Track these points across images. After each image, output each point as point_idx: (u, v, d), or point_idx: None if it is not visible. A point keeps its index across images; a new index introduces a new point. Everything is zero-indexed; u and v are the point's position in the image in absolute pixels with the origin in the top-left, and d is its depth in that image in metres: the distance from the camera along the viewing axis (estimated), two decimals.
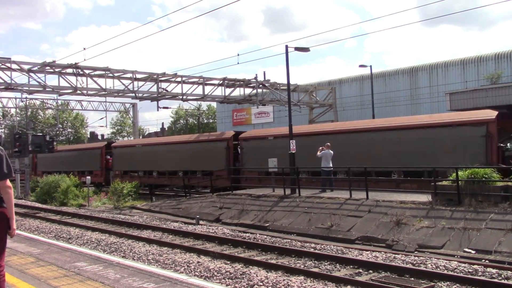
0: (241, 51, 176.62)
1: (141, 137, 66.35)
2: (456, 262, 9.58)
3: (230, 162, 25.51)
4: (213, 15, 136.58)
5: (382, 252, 10.83)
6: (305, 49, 20.52)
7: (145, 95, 26.79)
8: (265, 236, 13.66)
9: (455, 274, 8.72)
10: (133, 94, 26.07)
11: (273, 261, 10.42)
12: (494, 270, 8.85)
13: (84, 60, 41.60)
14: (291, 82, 22.14)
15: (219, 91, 28.90)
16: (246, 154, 25.07)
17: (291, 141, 18.95)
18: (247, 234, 14.11)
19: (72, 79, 23.69)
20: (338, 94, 36.60)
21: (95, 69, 24.27)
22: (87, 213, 21.21)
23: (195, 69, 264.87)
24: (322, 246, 11.85)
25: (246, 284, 8.30)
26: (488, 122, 16.70)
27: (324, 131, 22.34)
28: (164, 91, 26.60)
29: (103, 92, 25.23)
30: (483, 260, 9.70)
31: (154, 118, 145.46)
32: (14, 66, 22.23)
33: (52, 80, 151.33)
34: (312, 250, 11.38)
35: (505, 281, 8.25)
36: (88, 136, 78.85)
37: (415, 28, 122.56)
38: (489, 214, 11.42)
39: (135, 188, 25.51)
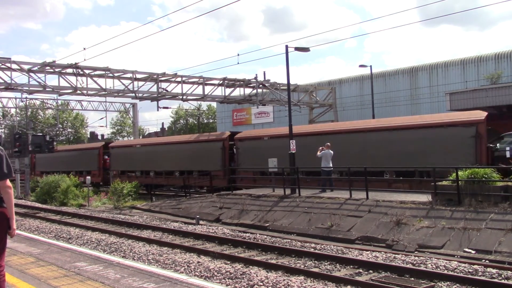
0: (241, 51, 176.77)
1: (141, 137, 66.36)
2: (456, 262, 9.58)
3: (226, 162, 25.78)
4: (213, 15, 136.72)
5: (382, 252, 10.83)
6: (305, 49, 20.53)
7: (145, 95, 26.80)
8: (265, 236, 13.66)
9: (455, 274, 8.72)
10: (133, 94, 26.07)
11: (273, 261, 10.42)
12: (494, 270, 8.85)
13: (84, 60, 41.62)
14: (291, 82, 22.16)
15: (219, 91, 28.96)
16: (242, 154, 25.33)
17: (291, 141, 18.96)
18: (247, 234, 14.11)
19: (72, 79, 23.71)
20: (338, 94, 36.61)
21: (95, 69, 24.27)
22: (87, 213, 21.21)
23: (195, 69, 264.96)
24: (322, 246, 11.85)
25: (246, 284, 8.30)
26: (478, 123, 17.01)
27: (317, 132, 22.62)
28: (164, 91, 26.60)
29: (103, 92, 25.23)
30: (483, 260, 9.70)
31: (154, 118, 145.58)
32: (14, 66, 22.23)
33: (52, 80, 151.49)
34: (312, 250, 11.38)
35: (505, 281, 8.25)
36: (88, 136, 78.83)
37: (415, 28, 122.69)
38: (489, 214, 11.42)
39: (135, 188, 25.54)
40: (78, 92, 24.12)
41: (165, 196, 29.21)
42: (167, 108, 43.02)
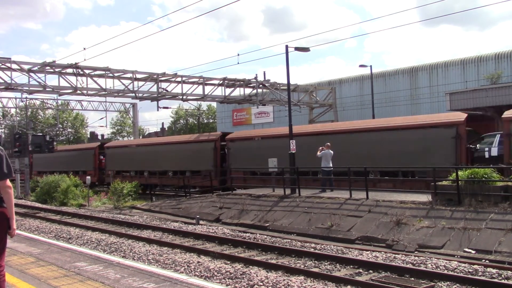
0: (241, 51, 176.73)
1: (141, 137, 66.38)
2: (456, 262, 9.58)
3: (217, 162, 26.18)
4: (213, 15, 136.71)
5: (382, 252, 10.83)
6: (305, 49, 20.53)
7: (145, 95, 26.80)
8: (265, 236, 13.66)
9: (455, 274, 8.72)
10: (133, 94, 26.08)
11: (273, 261, 10.42)
12: (494, 270, 8.85)
13: (84, 60, 41.61)
14: (291, 82, 22.16)
15: (219, 91, 28.97)
16: (233, 155, 25.71)
17: (291, 141, 18.98)
18: (247, 234, 14.11)
19: (72, 79, 23.71)
20: (338, 94, 36.60)
21: (95, 69, 24.27)
22: (87, 213, 21.21)
23: (195, 69, 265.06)
24: (322, 246, 11.85)
25: (246, 284, 8.30)
26: (458, 124, 17.55)
27: (308, 132, 22.92)
28: (164, 91, 26.61)
29: (103, 92, 25.24)
30: (483, 260, 9.70)
31: (154, 118, 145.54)
32: (14, 66, 22.24)
33: (52, 80, 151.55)
34: (312, 250, 11.38)
35: (505, 281, 8.25)
36: (88, 136, 78.81)
37: (415, 28, 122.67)
38: (489, 214, 11.42)
39: (135, 188, 25.58)
40: (78, 92, 24.13)
41: (165, 196, 29.23)
42: (167, 108, 43.08)
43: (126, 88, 25.43)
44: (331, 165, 17.95)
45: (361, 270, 9.41)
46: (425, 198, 13.77)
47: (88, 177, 28.15)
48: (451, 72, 34.78)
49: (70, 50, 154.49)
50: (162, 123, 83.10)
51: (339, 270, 9.55)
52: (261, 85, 29.27)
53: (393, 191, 16.75)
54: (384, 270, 9.25)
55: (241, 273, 8.95)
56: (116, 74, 25.19)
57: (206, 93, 27.76)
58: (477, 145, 17.56)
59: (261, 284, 8.19)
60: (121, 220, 18.08)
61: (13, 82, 22.45)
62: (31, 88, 23.74)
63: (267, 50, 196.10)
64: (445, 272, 8.90)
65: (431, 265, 9.42)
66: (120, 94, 25.92)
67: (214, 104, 58.28)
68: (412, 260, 9.91)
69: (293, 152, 18.82)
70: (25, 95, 32.44)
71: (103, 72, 24.54)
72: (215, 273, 9.12)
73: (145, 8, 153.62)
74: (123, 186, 24.26)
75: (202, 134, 32.77)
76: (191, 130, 66.53)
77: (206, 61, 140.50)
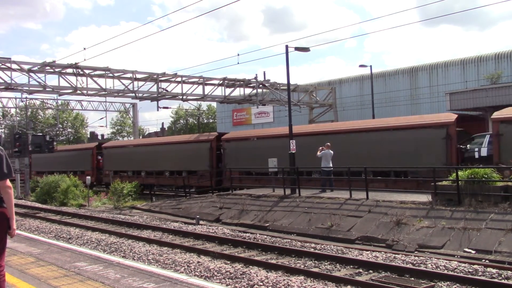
0: (241, 51, 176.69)
1: (141, 137, 66.38)
2: (456, 262, 9.58)
3: (213, 163, 26.50)
4: (213, 15, 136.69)
5: (382, 252, 10.83)
6: (305, 49, 20.54)
7: (145, 95, 26.80)
8: (265, 236, 13.66)
9: (455, 274, 8.72)
10: (133, 94, 26.08)
11: (273, 261, 10.42)
12: (494, 270, 8.85)
13: (84, 60, 41.58)
14: (291, 82, 22.17)
15: (219, 91, 28.97)
16: (228, 155, 26.02)
17: (291, 141, 18.98)
18: (247, 234, 14.11)
19: (72, 79, 23.71)
20: (338, 94, 36.60)
21: (95, 69, 24.27)
22: (87, 213, 21.21)
23: (195, 69, 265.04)
24: (322, 246, 11.85)
25: (246, 284, 8.30)
26: (448, 125, 17.89)
27: (305, 132, 23.03)
28: (164, 91, 26.61)
29: (103, 92, 25.23)
30: (483, 260, 9.70)
31: (154, 118, 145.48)
32: (14, 66, 22.23)
33: (52, 80, 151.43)
34: (312, 250, 11.38)
35: (505, 281, 8.25)
36: (88, 136, 78.79)
37: (415, 28, 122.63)
38: (489, 214, 11.42)
39: (135, 188, 25.59)
40: (78, 92, 24.13)
41: (165, 196, 29.26)
42: (167, 108, 43.09)
43: (126, 88, 25.43)
44: (331, 165, 17.94)
45: (361, 270, 9.41)
46: (425, 198, 13.77)
47: (88, 177, 28.18)
48: (451, 72, 34.78)
49: (70, 50, 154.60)
50: (162, 123, 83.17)
51: (339, 270, 9.55)
52: (261, 85, 29.27)
53: (393, 191, 16.74)
54: (384, 270, 9.25)
55: (241, 273, 8.95)
56: (116, 74, 25.18)
57: (206, 93, 27.76)
58: (468, 145, 17.82)
59: (261, 284, 8.19)
60: (121, 220, 18.08)
61: (13, 82, 22.45)
62: (31, 88, 23.74)
63: (267, 50, 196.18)
64: (445, 272, 8.90)
65: (431, 265, 9.42)
66: (120, 94, 25.92)
67: (214, 104, 58.28)
68: (412, 260, 9.91)
69: (293, 152, 18.82)
70: (25, 95, 32.46)
71: (103, 72, 24.53)
72: (215, 273, 9.12)
73: (145, 8, 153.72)
74: (123, 186, 24.26)
75: (198, 135, 33.05)
76: (191, 130, 66.52)
77: (206, 61, 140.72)
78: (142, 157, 31.57)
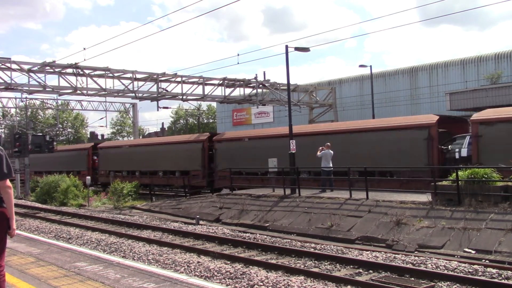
0: (241, 51, 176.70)
1: (141, 137, 66.38)
2: (456, 262, 9.57)
3: (205, 163, 26.78)
4: (213, 15, 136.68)
5: (382, 252, 10.82)
6: (305, 49, 20.54)
7: (145, 95, 26.80)
8: (265, 236, 13.65)
9: (455, 274, 8.72)
10: (133, 94, 26.08)
11: (273, 261, 10.42)
12: (494, 270, 8.84)
13: (84, 60, 41.67)
14: (291, 82, 22.18)
15: (219, 91, 28.99)
16: (220, 155, 26.28)
17: (291, 141, 18.98)
18: (247, 234, 14.11)
19: (72, 79, 23.71)
20: (338, 94, 36.61)
21: (95, 69, 24.27)
22: (87, 213, 21.21)
23: (195, 69, 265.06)
24: (322, 246, 11.85)
25: (246, 284, 8.30)
26: (430, 126, 18.30)
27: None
28: (164, 91, 26.61)
29: (103, 92, 25.24)
30: (483, 260, 9.70)
31: (154, 118, 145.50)
32: (14, 66, 22.24)
33: (52, 80, 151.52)
34: (312, 250, 11.37)
35: (505, 281, 8.25)
36: (88, 136, 78.78)
37: (415, 28, 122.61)
38: (489, 214, 11.42)
39: (135, 188, 25.61)
40: (78, 92, 24.13)
41: (165, 196, 29.29)
42: (167, 108, 43.15)
43: (126, 88, 25.43)
44: (331, 165, 17.94)
45: (361, 270, 9.40)
46: (425, 198, 13.76)
47: (88, 178, 28.24)
48: (451, 72, 34.79)
49: (70, 50, 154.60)
50: (162, 123, 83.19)
51: (339, 270, 9.55)
52: (261, 85, 29.27)
53: (393, 191, 16.73)
54: (384, 270, 9.25)
55: (241, 273, 8.95)
56: (116, 74, 25.19)
57: (206, 93, 27.77)
58: (449, 146, 18.18)
59: (261, 284, 8.19)
60: (121, 220, 18.08)
61: (13, 82, 22.46)
62: (31, 88, 23.74)
63: (267, 50, 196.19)
64: (445, 272, 8.89)
65: (431, 265, 9.42)
66: (120, 94, 25.92)
67: (214, 104, 58.30)
68: (412, 260, 9.90)
69: (293, 152, 18.82)
70: (25, 95, 32.47)
71: (103, 72, 24.54)
72: (215, 273, 9.12)
73: (145, 8, 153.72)
74: (123, 186, 24.26)
75: (191, 135, 33.41)
76: (191, 130, 66.53)
77: (206, 61, 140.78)
78: (136, 157, 31.98)
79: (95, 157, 36.61)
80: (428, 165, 17.72)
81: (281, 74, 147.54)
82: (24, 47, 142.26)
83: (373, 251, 11.07)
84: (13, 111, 55.88)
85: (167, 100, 29.27)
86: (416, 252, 10.87)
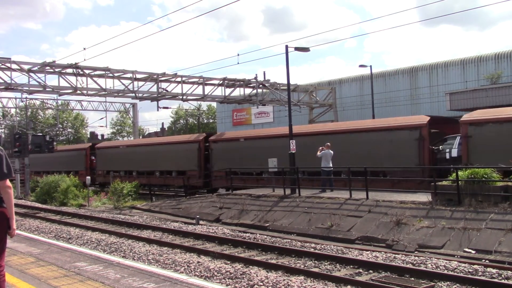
0: (241, 51, 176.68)
1: (141, 137, 66.40)
2: (456, 262, 9.58)
3: (201, 163, 27.01)
4: (213, 15, 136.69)
5: (382, 252, 10.83)
6: (305, 49, 20.53)
7: (145, 95, 26.79)
8: (265, 236, 13.66)
9: (455, 274, 8.72)
10: (133, 94, 26.07)
11: (273, 261, 10.42)
12: (494, 270, 8.85)
13: (84, 60, 41.64)
14: (291, 82, 22.18)
15: (219, 91, 28.97)
16: (215, 156, 26.55)
17: (291, 141, 18.99)
18: (247, 234, 14.11)
19: (72, 79, 23.70)
20: (338, 94, 36.59)
21: (95, 69, 24.26)
22: (87, 213, 21.21)
23: (195, 69, 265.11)
24: (322, 246, 11.85)
25: (246, 284, 8.30)
26: (421, 126, 18.63)
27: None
28: (164, 91, 26.60)
29: (103, 92, 25.22)
30: (483, 260, 9.70)
31: (154, 118, 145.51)
32: (14, 66, 22.22)
33: (52, 80, 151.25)
34: (312, 250, 11.38)
35: (505, 281, 8.25)
36: (88, 136, 78.77)
37: (415, 28, 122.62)
38: (489, 214, 11.42)
39: (135, 188, 25.61)
40: (78, 92, 24.12)
41: (165, 196, 29.31)
42: (167, 108, 43.17)
43: (126, 88, 25.42)
44: (331, 165, 17.95)
45: (361, 270, 9.40)
46: (425, 198, 13.77)
47: (88, 177, 28.32)
48: (451, 72, 34.77)
49: (70, 50, 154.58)
50: (162, 123, 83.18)
51: (339, 270, 9.55)
52: (261, 85, 29.26)
53: (393, 191, 16.75)
54: (384, 270, 9.25)
55: (241, 273, 8.96)
56: (116, 74, 25.18)
57: (206, 93, 27.76)
58: (440, 147, 18.40)
59: (261, 284, 8.19)
60: (121, 220, 18.08)
61: (13, 82, 22.44)
62: (31, 88, 23.73)
63: (267, 50, 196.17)
64: (445, 272, 8.90)
65: (431, 265, 9.42)
66: (120, 94, 25.91)
67: (214, 104, 58.27)
68: (412, 260, 9.91)
69: (293, 152, 18.82)
70: (25, 95, 32.48)
71: (103, 72, 24.52)
72: (215, 273, 9.12)
73: (145, 8, 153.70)
74: (123, 186, 24.26)
75: (187, 135, 33.66)
76: (191, 130, 66.53)
77: (206, 61, 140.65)
78: (133, 158, 32.16)
79: (93, 157, 36.83)
80: (419, 165, 18.04)
81: (281, 74, 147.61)
82: (24, 47, 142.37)
83: (373, 251, 11.07)
84: (13, 111, 55.98)
85: (167, 100, 29.29)
86: (416, 252, 10.87)
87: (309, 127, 25.72)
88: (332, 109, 33.81)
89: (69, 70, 23.50)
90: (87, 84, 23.97)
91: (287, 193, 17.86)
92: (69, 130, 73.49)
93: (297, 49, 20.26)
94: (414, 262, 9.71)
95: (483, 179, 12.58)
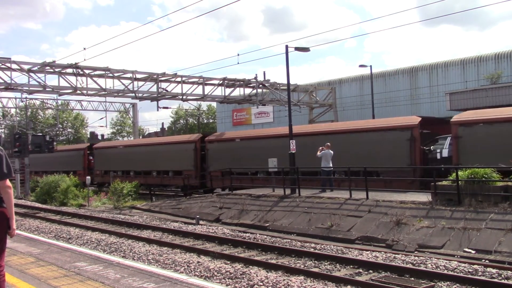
0: (241, 51, 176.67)
1: (141, 137, 66.40)
2: (456, 262, 9.58)
3: (197, 163, 27.24)
4: (213, 15, 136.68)
5: (382, 252, 10.83)
6: (305, 49, 20.54)
7: (145, 95, 26.79)
8: (265, 236, 13.66)
9: (455, 274, 8.72)
10: (133, 94, 26.07)
11: (273, 261, 10.42)
12: (494, 270, 8.85)
13: (84, 60, 41.69)
14: (291, 82, 22.18)
15: (219, 91, 28.97)
16: (211, 156, 26.72)
17: (291, 141, 18.99)
18: (247, 234, 14.11)
19: (72, 79, 23.69)
20: (338, 94, 36.59)
21: (95, 69, 24.26)
22: (87, 213, 21.21)
23: (195, 69, 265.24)
24: (322, 246, 11.85)
25: (246, 284, 8.30)
26: (412, 127, 18.83)
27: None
28: (164, 91, 26.60)
29: (103, 92, 25.22)
30: (483, 260, 9.71)
31: (154, 118, 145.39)
32: (14, 66, 22.22)
33: (52, 80, 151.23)
34: (312, 250, 11.38)
35: (505, 281, 8.25)
36: (88, 136, 78.75)
37: (415, 28, 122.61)
38: (489, 214, 11.42)
39: (135, 188, 25.61)
40: (78, 92, 24.12)
41: (165, 196, 29.33)
42: (167, 108, 43.19)
43: (126, 88, 25.42)
44: (331, 165, 17.95)
45: (361, 270, 9.40)
46: (425, 198, 13.77)
47: (88, 178, 28.36)
48: (451, 72, 34.77)
49: (70, 50, 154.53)
50: (162, 123, 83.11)
51: (339, 270, 9.55)
52: (261, 85, 29.26)
53: (393, 191, 16.75)
54: (384, 270, 9.25)
55: (241, 273, 8.96)
56: (116, 74, 25.18)
57: (206, 93, 27.76)
58: (431, 147, 18.61)
59: (261, 284, 8.19)
60: (121, 220, 18.08)
61: (13, 82, 22.44)
62: (31, 88, 23.73)
63: (267, 50, 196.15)
64: (445, 272, 8.90)
65: (431, 265, 9.42)
66: (120, 94, 25.91)
67: (214, 104, 58.27)
68: (412, 260, 9.91)
69: (293, 152, 18.82)
70: (25, 95, 32.46)
71: (103, 72, 24.52)
72: (215, 273, 9.12)
73: (145, 8, 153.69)
74: (123, 186, 24.26)
75: (184, 136, 33.97)
76: (191, 130, 66.52)
77: (206, 61, 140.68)
78: (131, 158, 32.29)
79: (91, 157, 36.94)
80: (410, 165, 18.26)
81: (281, 74, 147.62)
82: (24, 47, 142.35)
83: (373, 251, 11.08)
84: (13, 111, 55.97)
85: (167, 100, 29.28)
86: (416, 252, 10.87)
87: (303, 128, 25.67)
88: (332, 109, 33.81)
89: (69, 70, 23.50)
90: (87, 84, 23.98)
91: (287, 193, 17.86)
92: (69, 130, 73.48)
93: (297, 49, 20.26)
94: (414, 262, 9.71)
95: (483, 179, 12.58)
